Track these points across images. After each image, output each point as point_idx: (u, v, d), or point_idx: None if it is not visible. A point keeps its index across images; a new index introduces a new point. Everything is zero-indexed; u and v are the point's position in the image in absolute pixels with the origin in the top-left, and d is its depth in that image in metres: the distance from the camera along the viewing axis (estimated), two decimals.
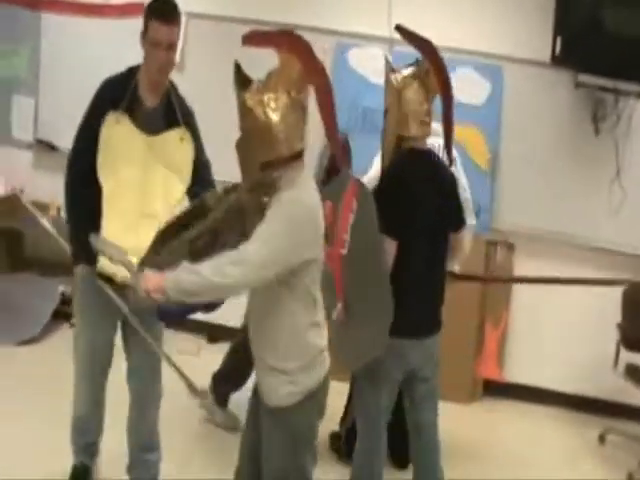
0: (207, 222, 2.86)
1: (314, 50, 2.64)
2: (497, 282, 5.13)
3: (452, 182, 3.54)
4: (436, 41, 5.08)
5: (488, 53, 5.22)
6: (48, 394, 4.28)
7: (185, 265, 2.61)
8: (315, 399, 2.79)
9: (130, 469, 3.62)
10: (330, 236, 3.23)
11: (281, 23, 4.81)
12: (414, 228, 3.31)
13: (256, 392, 2.88)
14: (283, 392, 2.73)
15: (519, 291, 5.31)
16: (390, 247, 3.25)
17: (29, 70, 5.72)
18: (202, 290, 2.58)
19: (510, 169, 5.29)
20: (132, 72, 3.27)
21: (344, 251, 3.29)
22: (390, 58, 3.56)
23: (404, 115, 3.35)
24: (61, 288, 5.39)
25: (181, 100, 3.35)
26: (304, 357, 2.74)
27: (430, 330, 3.45)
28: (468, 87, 5.20)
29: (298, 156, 2.69)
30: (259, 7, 5.32)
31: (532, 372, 5.23)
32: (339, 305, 3.33)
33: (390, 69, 3.45)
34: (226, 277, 2.54)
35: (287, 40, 2.65)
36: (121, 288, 3.07)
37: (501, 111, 5.25)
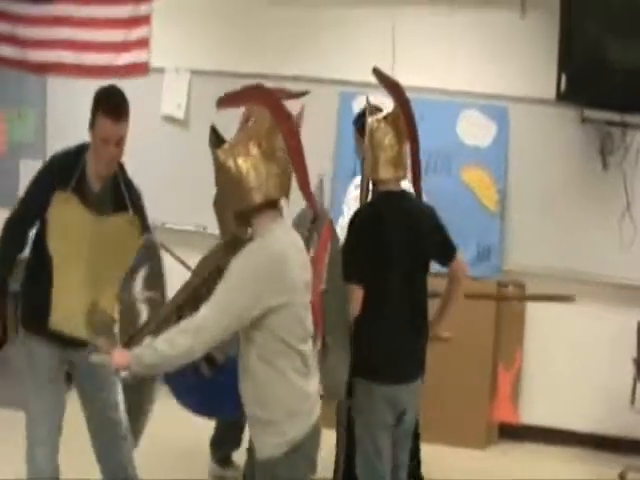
0: (188, 288, 2.91)
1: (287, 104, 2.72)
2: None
3: (428, 220, 3.53)
4: (440, 85, 5.19)
5: (493, 94, 5.23)
6: (67, 454, 4.27)
7: (147, 341, 2.70)
8: (302, 451, 2.76)
9: None
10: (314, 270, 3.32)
11: (285, 75, 4.86)
12: (387, 271, 3.34)
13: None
14: (269, 443, 2.72)
15: (532, 330, 5.28)
16: (356, 293, 3.31)
17: (36, 134, 5.77)
18: (158, 363, 2.66)
19: (519, 209, 5.28)
20: (82, 151, 3.32)
21: (323, 286, 3.31)
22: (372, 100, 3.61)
23: (375, 158, 3.39)
24: None
25: (129, 182, 3.42)
26: (287, 404, 2.72)
27: (417, 373, 3.51)
28: (474, 129, 5.23)
29: (273, 204, 2.74)
30: (262, 61, 5.37)
31: (548, 413, 5.18)
32: (317, 341, 3.32)
33: (370, 111, 3.50)
34: (174, 347, 2.61)
35: (255, 94, 2.75)
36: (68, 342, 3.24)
37: (508, 151, 5.24)
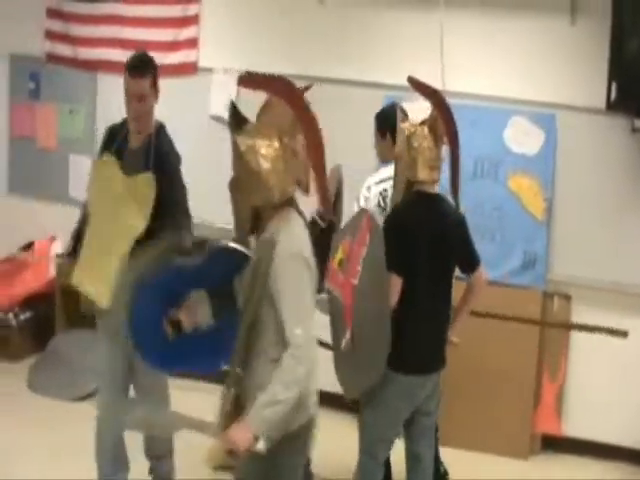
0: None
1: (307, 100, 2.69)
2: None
3: (459, 227, 3.64)
4: (489, 91, 5.14)
5: (541, 102, 5.14)
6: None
7: (258, 401, 2.60)
8: (297, 441, 2.78)
9: None
10: (346, 267, 3.45)
11: (331, 78, 4.84)
12: (415, 267, 3.46)
13: None
14: None
15: (577, 341, 5.19)
16: (395, 283, 3.41)
17: (86, 129, 5.88)
18: (289, 406, 2.60)
19: (566, 218, 5.18)
20: (126, 120, 3.63)
21: (355, 282, 3.43)
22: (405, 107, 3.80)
23: (413, 160, 3.51)
24: None
25: (159, 142, 3.57)
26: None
27: (436, 366, 3.61)
28: (522, 137, 5.16)
29: (290, 201, 2.76)
30: (308, 63, 5.35)
31: (592, 426, 5.06)
32: (347, 333, 3.44)
33: (402, 118, 3.65)
34: (291, 387, 2.58)
35: (281, 87, 2.70)
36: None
37: (556, 160, 5.16)
